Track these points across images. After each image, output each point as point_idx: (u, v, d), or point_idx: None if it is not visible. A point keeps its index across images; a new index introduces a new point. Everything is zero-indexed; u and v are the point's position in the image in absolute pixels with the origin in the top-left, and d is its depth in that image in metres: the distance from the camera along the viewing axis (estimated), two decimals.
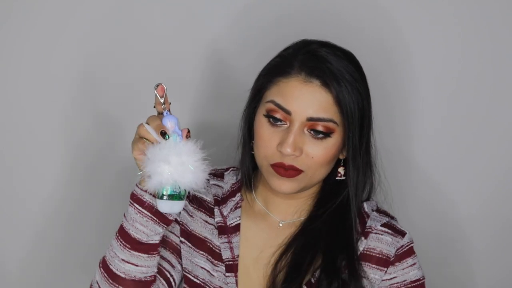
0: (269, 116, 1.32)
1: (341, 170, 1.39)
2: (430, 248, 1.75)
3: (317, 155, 1.31)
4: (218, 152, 1.51)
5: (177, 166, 1.18)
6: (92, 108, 1.72)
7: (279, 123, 1.31)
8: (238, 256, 1.39)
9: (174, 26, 1.70)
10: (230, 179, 1.46)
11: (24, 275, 1.78)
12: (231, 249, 1.39)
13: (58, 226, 1.77)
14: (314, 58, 1.31)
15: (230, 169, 1.48)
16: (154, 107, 1.25)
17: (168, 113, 1.23)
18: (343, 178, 1.39)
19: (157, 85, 1.23)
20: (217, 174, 1.48)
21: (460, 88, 1.73)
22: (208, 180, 1.44)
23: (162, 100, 1.23)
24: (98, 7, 1.68)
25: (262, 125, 1.33)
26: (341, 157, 1.38)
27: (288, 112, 1.30)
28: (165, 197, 1.20)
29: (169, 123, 1.22)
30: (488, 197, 1.77)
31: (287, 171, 1.31)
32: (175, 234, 1.42)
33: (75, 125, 1.72)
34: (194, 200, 1.43)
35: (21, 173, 1.74)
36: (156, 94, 1.23)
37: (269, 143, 1.32)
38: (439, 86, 1.73)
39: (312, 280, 1.34)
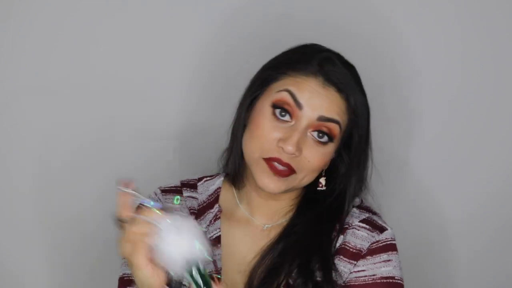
0: (277, 107, 1.30)
1: (322, 180, 1.38)
2: (420, 250, 1.76)
3: (314, 159, 1.31)
4: (213, 155, 1.50)
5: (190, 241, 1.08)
6: (88, 108, 1.72)
7: (285, 117, 1.29)
8: (221, 268, 1.37)
9: (166, 28, 1.70)
10: (204, 190, 1.44)
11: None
12: (214, 262, 1.37)
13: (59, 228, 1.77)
14: (332, 64, 1.32)
15: (204, 179, 1.46)
16: (119, 218, 1.12)
17: (149, 201, 1.10)
18: (324, 188, 1.38)
19: (123, 184, 1.11)
20: (190, 185, 1.45)
21: (456, 90, 1.74)
22: (182, 192, 1.44)
23: (138, 194, 1.11)
24: (91, 10, 1.69)
25: (264, 115, 1.31)
26: (324, 167, 1.37)
27: (299, 106, 1.29)
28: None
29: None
30: (481, 199, 1.78)
31: (281, 169, 1.30)
32: None
33: (74, 126, 1.73)
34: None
35: (22, 174, 1.75)
36: (131, 193, 1.10)
37: (269, 136, 1.30)
38: (435, 90, 1.73)
39: (291, 281, 1.32)
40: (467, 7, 1.71)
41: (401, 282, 1.34)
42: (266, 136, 1.30)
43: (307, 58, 1.33)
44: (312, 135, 1.30)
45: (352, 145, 1.36)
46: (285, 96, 1.30)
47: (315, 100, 1.29)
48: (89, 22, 1.69)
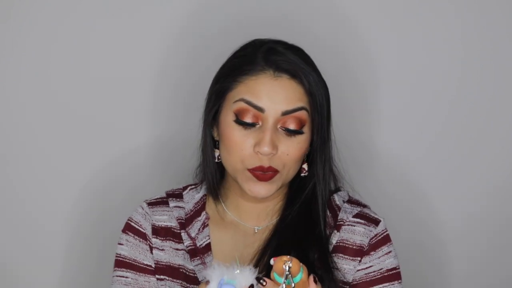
0: (239, 122, 1.31)
1: (305, 166, 1.39)
2: (418, 251, 1.77)
3: (292, 151, 1.32)
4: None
5: None
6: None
7: (251, 123, 1.30)
8: None
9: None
10: (190, 199, 1.44)
11: None
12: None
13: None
14: (277, 53, 1.32)
15: (188, 188, 1.46)
16: None
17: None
18: (307, 173, 1.39)
19: None
20: (175, 195, 1.45)
21: (456, 90, 1.74)
22: (168, 203, 1.43)
23: None
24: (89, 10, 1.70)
25: (232, 129, 1.32)
26: (306, 152, 1.38)
27: (260, 109, 1.30)
28: None
29: None
30: (481, 200, 1.78)
31: (265, 174, 1.31)
32: None
33: (73, 126, 1.73)
34: (160, 231, 1.41)
35: (21, 173, 1.75)
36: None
37: (244, 145, 1.31)
38: (434, 90, 1.74)
39: None
40: (467, 7, 1.71)
41: (400, 270, 1.38)
42: (241, 146, 1.31)
43: (251, 57, 1.33)
44: (283, 129, 1.31)
45: (314, 125, 1.35)
46: (243, 105, 1.31)
47: (273, 97, 1.30)
48: (88, 22, 1.70)
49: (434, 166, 1.77)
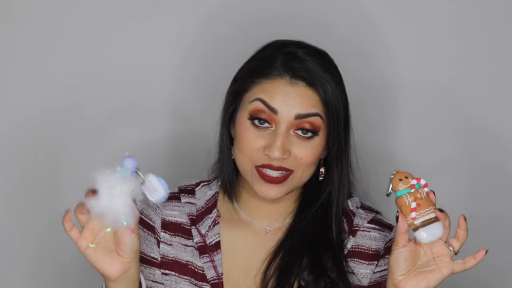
0: (254, 118, 1.31)
1: (322, 170, 1.39)
2: None
3: (305, 155, 1.32)
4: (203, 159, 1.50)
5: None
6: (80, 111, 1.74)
7: (264, 125, 1.31)
8: (222, 274, 1.37)
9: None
10: (202, 195, 1.44)
11: None
12: (215, 267, 1.37)
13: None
14: (296, 59, 1.32)
15: (201, 184, 1.46)
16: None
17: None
18: (323, 177, 1.39)
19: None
20: (188, 191, 1.45)
21: (456, 90, 1.75)
22: (180, 198, 1.44)
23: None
24: (88, 11, 1.71)
25: (245, 128, 1.32)
26: (321, 157, 1.38)
27: (274, 111, 1.30)
28: None
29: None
30: (481, 199, 1.79)
31: (276, 177, 1.31)
32: (158, 282, 1.40)
33: (71, 126, 1.74)
34: (170, 226, 1.41)
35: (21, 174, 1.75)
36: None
37: (254, 145, 1.31)
38: (421, 85, 1.75)
39: (302, 283, 1.34)
40: (467, 7, 1.72)
41: None
42: (251, 146, 1.32)
43: (270, 60, 1.33)
44: (296, 133, 1.31)
45: (329, 133, 1.35)
46: (258, 105, 1.31)
47: (287, 100, 1.30)
48: (87, 23, 1.71)
49: (433, 166, 1.78)
